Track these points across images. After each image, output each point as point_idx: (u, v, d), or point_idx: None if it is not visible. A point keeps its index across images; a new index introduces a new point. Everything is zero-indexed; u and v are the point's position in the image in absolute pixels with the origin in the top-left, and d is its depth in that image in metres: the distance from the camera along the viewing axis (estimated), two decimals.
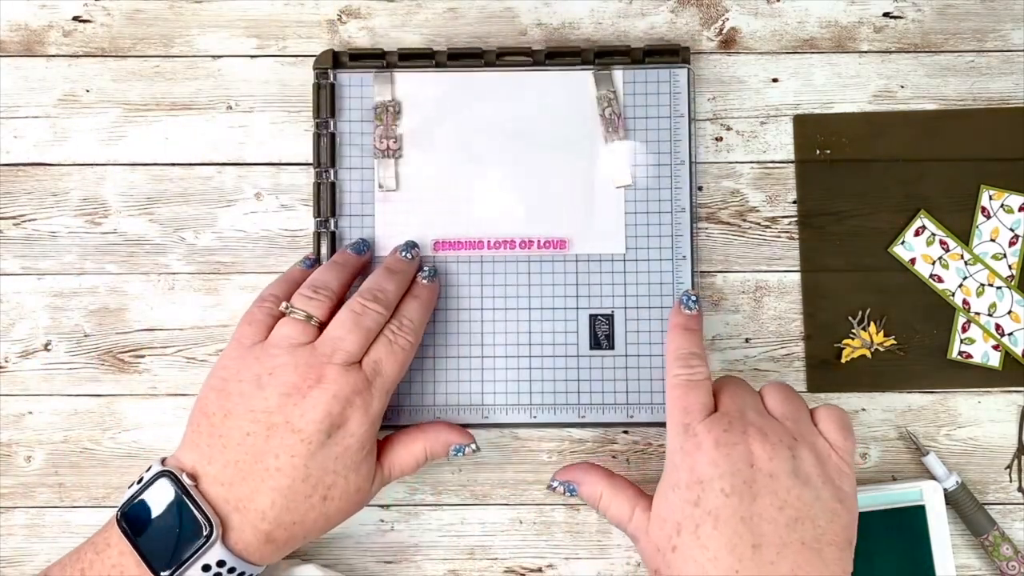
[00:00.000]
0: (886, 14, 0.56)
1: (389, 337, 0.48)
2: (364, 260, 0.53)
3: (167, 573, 0.44)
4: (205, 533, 0.44)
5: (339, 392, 0.46)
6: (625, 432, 0.55)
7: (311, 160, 0.55)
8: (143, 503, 0.45)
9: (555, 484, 0.50)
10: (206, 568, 0.45)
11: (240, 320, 0.49)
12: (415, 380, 0.54)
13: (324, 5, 0.56)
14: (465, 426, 0.54)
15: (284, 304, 0.48)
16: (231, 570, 0.45)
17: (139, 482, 0.46)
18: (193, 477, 0.46)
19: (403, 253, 0.52)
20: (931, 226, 0.55)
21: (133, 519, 0.45)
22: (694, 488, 0.44)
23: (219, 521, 0.45)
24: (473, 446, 0.51)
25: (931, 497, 0.53)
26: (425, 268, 0.52)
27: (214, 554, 0.44)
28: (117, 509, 0.46)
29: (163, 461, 0.46)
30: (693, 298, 0.50)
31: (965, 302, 0.55)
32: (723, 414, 0.46)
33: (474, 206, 0.55)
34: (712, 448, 0.44)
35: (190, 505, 0.45)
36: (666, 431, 0.47)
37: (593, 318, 0.54)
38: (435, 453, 0.51)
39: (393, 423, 0.54)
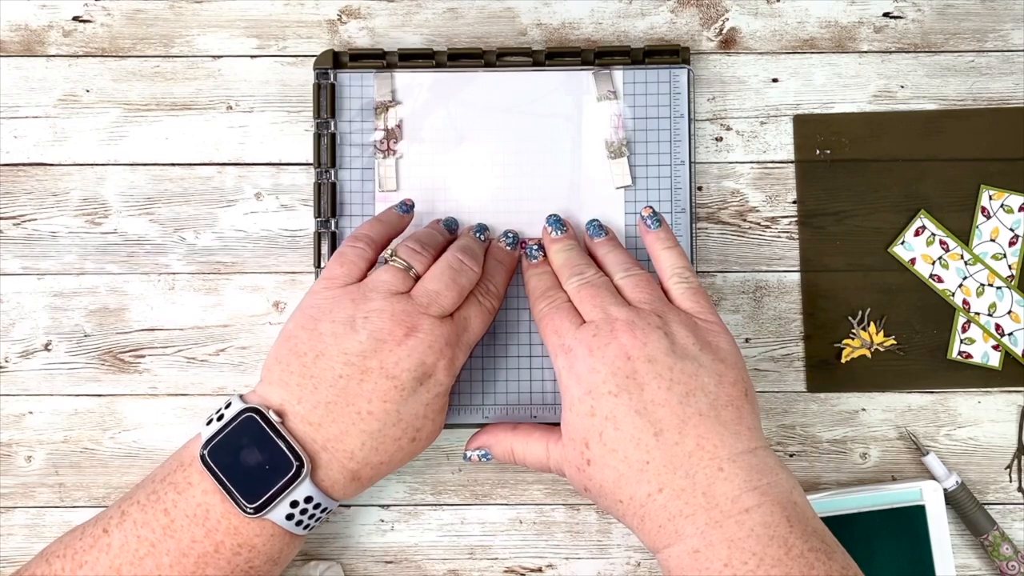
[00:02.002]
0: (886, 14, 0.57)
1: (479, 299, 0.51)
2: (453, 238, 0.54)
3: (256, 511, 0.45)
4: (295, 470, 0.46)
5: (434, 343, 0.47)
6: None
7: (311, 160, 0.56)
8: (227, 440, 0.46)
9: (469, 454, 0.52)
10: (294, 504, 0.46)
11: (330, 259, 0.50)
12: None
13: (324, 5, 0.57)
14: (465, 426, 0.54)
15: (389, 251, 0.50)
16: (316, 505, 0.47)
17: (220, 419, 0.47)
18: (280, 415, 0.47)
19: (476, 234, 0.54)
20: (931, 226, 0.55)
21: (217, 456, 0.46)
22: (585, 400, 0.46)
23: (309, 458, 0.46)
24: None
25: (931, 497, 0.53)
26: (509, 235, 0.54)
27: (303, 490, 0.46)
28: (200, 447, 0.46)
29: (241, 397, 0.47)
30: (535, 248, 0.53)
31: (965, 302, 0.55)
32: (589, 323, 0.48)
33: (475, 206, 0.55)
34: (588, 356, 0.46)
35: (279, 443, 0.46)
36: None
37: None
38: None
39: None
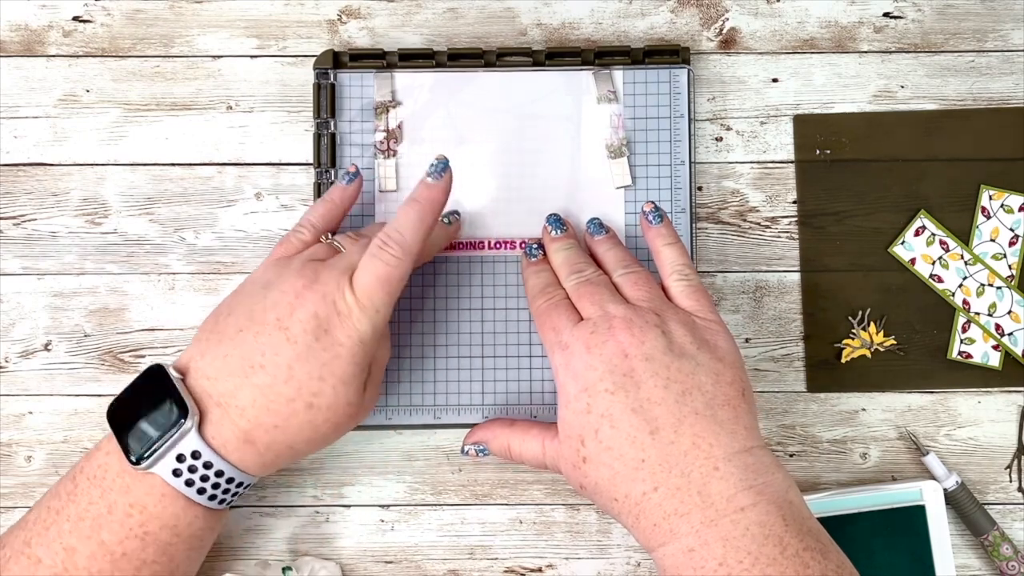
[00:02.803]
0: (886, 14, 0.57)
1: (372, 251, 0.47)
2: None
3: (141, 461, 0.45)
4: (177, 420, 0.45)
5: (328, 294, 0.46)
6: None
7: (311, 160, 0.56)
8: (128, 397, 0.47)
9: (467, 449, 0.53)
10: (180, 458, 0.46)
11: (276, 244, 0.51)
12: (415, 380, 0.54)
13: (324, 5, 0.57)
14: (464, 426, 0.54)
15: (326, 236, 0.51)
16: (207, 464, 0.46)
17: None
18: (183, 371, 0.47)
19: (430, 177, 0.48)
20: (931, 226, 0.55)
21: (120, 415, 0.47)
22: (582, 397, 0.46)
23: (196, 411, 0.46)
24: (456, 215, 0.54)
25: (931, 497, 0.53)
26: (434, 161, 0.48)
27: (188, 444, 0.45)
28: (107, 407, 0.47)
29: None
30: (534, 247, 0.53)
31: (965, 302, 0.55)
32: (587, 320, 0.48)
33: (474, 206, 0.55)
34: (585, 353, 0.47)
35: (170, 394, 0.46)
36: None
37: None
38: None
39: (393, 423, 0.55)
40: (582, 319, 0.48)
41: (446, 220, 0.54)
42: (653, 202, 0.53)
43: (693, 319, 0.48)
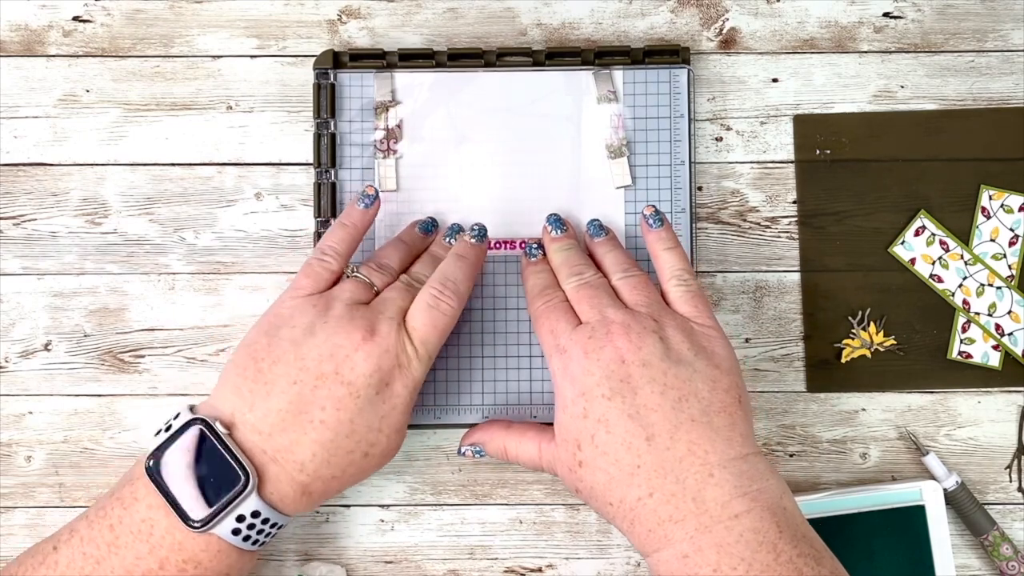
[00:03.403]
0: (886, 14, 0.57)
1: (429, 302, 0.49)
2: (429, 240, 0.54)
3: (200, 525, 0.45)
4: (241, 484, 0.45)
5: (390, 348, 0.47)
6: None
7: (311, 160, 0.56)
8: (173, 453, 0.46)
9: (464, 450, 0.53)
10: (240, 519, 0.45)
11: (299, 270, 0.50)
12: None
13: (324, 5, 0.57)
14: (464, 426, 0.54)
15: (351, 268, 0.50)
16: (265, 520, 0.46)
17: (167, 430, 0.46)
18: (229, 425, 0.46)
19: (447, 239, 0.53)
20: (931, 226, 0.55)
21: (162, 469, 0.45)
22: (579, 402, 0.46)
23: (255, 471, 0.45)
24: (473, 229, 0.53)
25: (931, 497, 0.53)
26: (474, 227, 0.52)
27: (249, 505, 0.45)
28: (145, 459, 0.46)
29: (192, 408, 0.47)
30: (534, 246, 0.53)
31: (965, 302, 0.55)
32: (585, 324, 0.48)
33: (474, 206, 0.55)
34: (582, 358, 0.47)
35: (225, 454, 0.45)
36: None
37: None
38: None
39: None
40: (580, 322, 0.48)
41: None
42: (654, 205, 0.53)
43: (691, 325, 0.48)
